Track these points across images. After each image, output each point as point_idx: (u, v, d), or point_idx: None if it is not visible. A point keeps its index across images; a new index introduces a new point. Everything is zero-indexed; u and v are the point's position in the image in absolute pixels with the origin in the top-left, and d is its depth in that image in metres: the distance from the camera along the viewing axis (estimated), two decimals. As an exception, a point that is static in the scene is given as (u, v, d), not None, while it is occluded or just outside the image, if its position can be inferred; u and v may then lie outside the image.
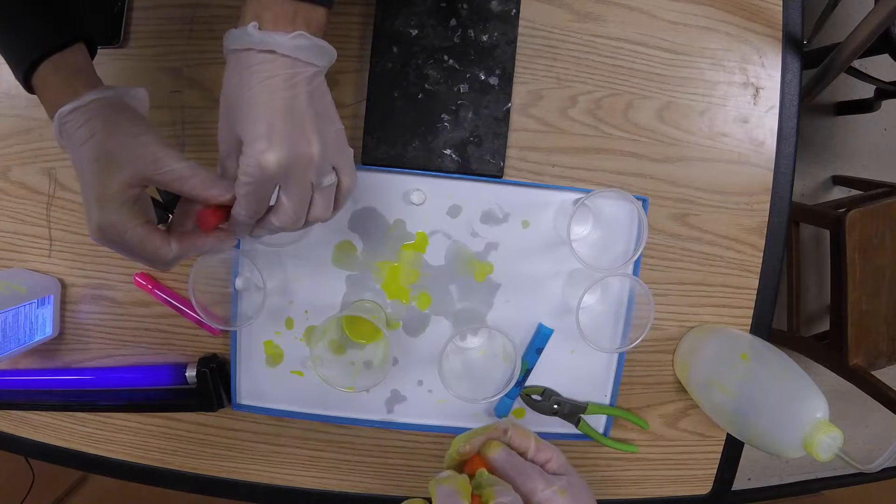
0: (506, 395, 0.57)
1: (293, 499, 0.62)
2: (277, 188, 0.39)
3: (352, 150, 0.42)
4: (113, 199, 0.37)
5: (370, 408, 0.59)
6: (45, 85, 0.39)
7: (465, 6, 0.54)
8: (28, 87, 0.40)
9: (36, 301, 0.55)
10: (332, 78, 0.55)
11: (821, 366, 1.15)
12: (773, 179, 0.58)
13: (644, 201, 0.56)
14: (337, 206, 0.42)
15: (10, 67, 0.40)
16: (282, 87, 0.36)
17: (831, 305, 1.06)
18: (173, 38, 0.55)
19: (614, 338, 0.58)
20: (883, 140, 1.51)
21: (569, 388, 0.59)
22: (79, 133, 0.37)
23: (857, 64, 0.96)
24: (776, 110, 0.58)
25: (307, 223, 0.41)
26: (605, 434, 0.60)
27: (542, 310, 0.57)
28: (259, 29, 0.36)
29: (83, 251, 0.58)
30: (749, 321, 0.59)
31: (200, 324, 0.58)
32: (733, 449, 0.62)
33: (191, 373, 0.57)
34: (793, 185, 0.58)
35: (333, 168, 0.40)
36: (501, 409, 0.59)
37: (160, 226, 0.40)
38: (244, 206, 0.38)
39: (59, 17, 0.40)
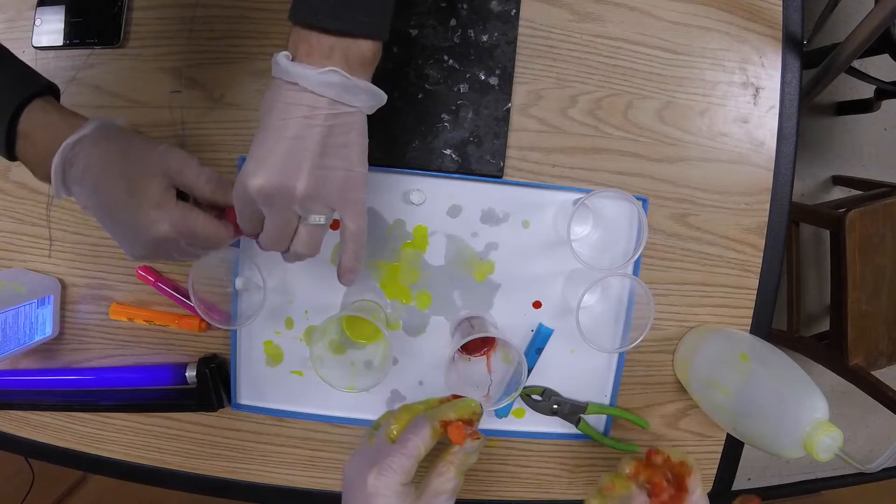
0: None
1: (293, 499, 0.62)
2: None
3: (363, 196, 0.41)
4: (165, 200, 0.39)
5: (370, 408, 0.59)
6: (39, 125, 0.39)
7: (465, 6, 0.54)
8: (10, 142, 0.39)
9: (36, 301, 0.55)
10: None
11: (821, 366, 1.14)
12: (773, 179, 0.58)
13: (644, 201, 0.56)
14: (347, 249, 0.42)
15: None
16: (299, 116, 0.36)
17: (831, 305, 1.06)
18: (173, 38, 0.55)
19: (614, 338, 0.58)
20: (883, 140, 1.51)
21: (569, 388, 0.59)
22: (94, 157, 0.38)
23: (857, 64, 0.96)
24: (776, 110, 0.58)
25: (292, 254, 0.42)
26: (605, 434, 0.60)
27: (542, 310, 0.57)
28: (293, 59, 0.36)
29: (83, 251, 0.58)
30: (749, 321, 0.59)
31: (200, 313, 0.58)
32: (733, 449, 0.62)
33: (191, 373, 0.57)
34: (793, 185, 0.58)
35: (332, 209, 0.40)
36: (501, 410, 0.59)
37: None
38: (237, 216, 0.41)
39: (24, 72, 0.41)
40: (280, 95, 0.37)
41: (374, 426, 0.43)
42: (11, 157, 0.40)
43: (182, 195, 0.42)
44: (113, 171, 0.38)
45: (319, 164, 0.37)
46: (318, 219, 0.40)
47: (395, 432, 0.39)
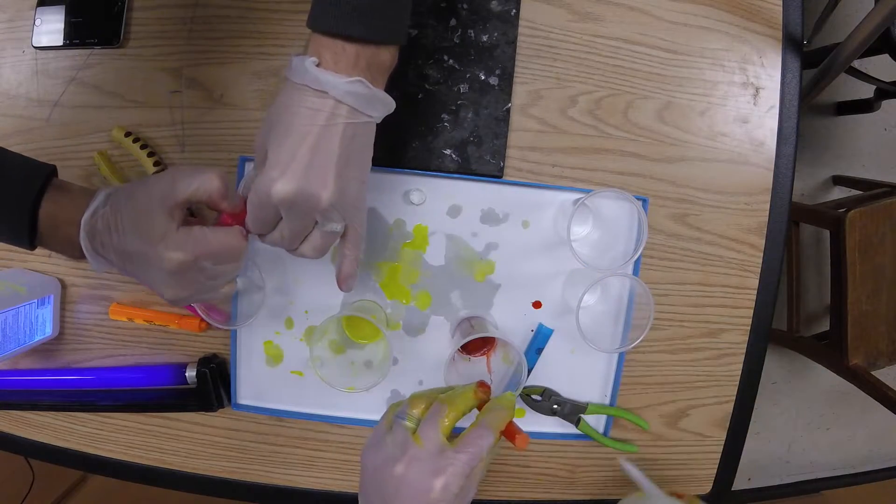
0: (506, 395, 0.57)
1: (293, 499, 0.62)
2: None
3: (367, 208, 0.42)
4: (168, 231, 0.38)
5: (370, 408, 0.59)
6: (58, 204, 0.40)
7: (465, 6, 0.54)
8: (32, 234, 0.40)
9: (36, 301, 0.55)
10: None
11: (821, 366, 1.15)
12: (773, 179, 0.58)
13: (644, 201, 0.56)
14: (347, 256, 0.43)
15: (10, 224, 0.40)
16: (321, 123, 0.36)
17: (831, 305, 1.06)
18: (173, 38, 0.55)
19: (614, 338, 0.58)
20: (883, 140, 1.51)
21: (569, 388, 0.59)
22: (108, 220, 0.39)
23: (857, 64, 0.96)
24: (776, 110, 0.58)
25: (297, 253, 0.42)
26: (605, 434, 0.60)
27: (542, 310, 0.57)
28: (318, 65, 0.36)
29: (83, 251, 0.58)
30: (749, 321, 0.59)
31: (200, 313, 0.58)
32: (733, 449, 0.62)
33: (191, 373, 0.57)
34: (793, 185, 0.58)
35: (344, 218, 0.40)
36: (501, 409, 0.59)
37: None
38: (250, 218, 0.40)
39: (27, 163, 0.41)
40: (304, 101, 0.36)
41: (407, 418, 0.41)
42: (32, 246, 0.41)
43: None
44: (123, 225, 0.39)
45: (342, 174, 0.38)
46: (335, 227, 0.40)
47: (447, 429, 0.39)
